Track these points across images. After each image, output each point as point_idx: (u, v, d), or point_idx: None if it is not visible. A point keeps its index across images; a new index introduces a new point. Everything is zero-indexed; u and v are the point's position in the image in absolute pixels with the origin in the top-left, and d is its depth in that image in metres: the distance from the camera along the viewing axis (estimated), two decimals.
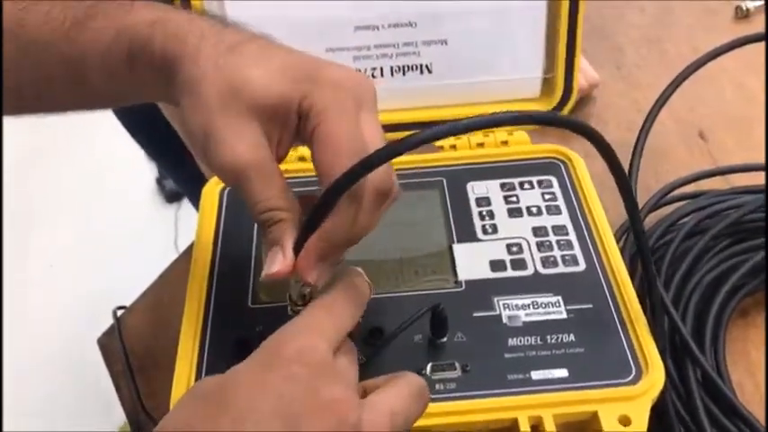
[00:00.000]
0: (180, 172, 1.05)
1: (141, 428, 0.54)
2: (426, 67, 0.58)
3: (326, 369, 0.34)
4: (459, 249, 0.52)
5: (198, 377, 0.46)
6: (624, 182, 0.42)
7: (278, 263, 0.38)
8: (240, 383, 0.34)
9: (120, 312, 0.62)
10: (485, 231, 0.54)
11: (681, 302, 0.54)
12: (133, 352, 0.58)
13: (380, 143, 0.40)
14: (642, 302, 0.49)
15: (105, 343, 0.60)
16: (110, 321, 0.61)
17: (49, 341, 1.48)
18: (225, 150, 0.38)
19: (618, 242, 0.56)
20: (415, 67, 0.58)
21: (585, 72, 0.75)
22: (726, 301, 0.54)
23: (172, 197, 1.79)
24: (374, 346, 0.47)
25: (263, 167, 0.39)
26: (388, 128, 0.59)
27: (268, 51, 0.41)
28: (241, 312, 0.49)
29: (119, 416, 0.64)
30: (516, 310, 0.48)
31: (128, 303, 0.64)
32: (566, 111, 0.59)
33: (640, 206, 0.59)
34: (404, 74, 0.58)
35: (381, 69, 0.58)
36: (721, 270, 0.55)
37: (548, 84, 0.59)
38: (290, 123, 0.40)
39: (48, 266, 1.67)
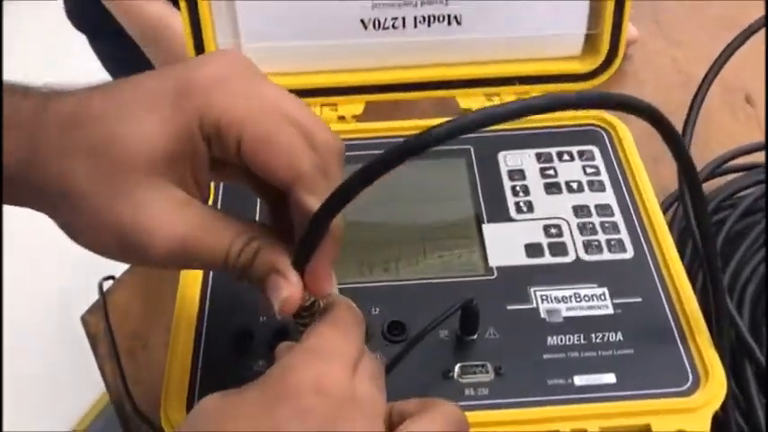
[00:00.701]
0: None
1: (127, 420, 0.48)
2: (455, 18, 0.51)
3: (346, 400, 0.29)
4: (490, 230, 0.46)
5: (192, 377, 0.40)
6: (694, 179, 0.36)
7: (284, 288, 0.32)
8: (243, 415, 0.28)
9: (107, 285, 0.56)
10: (519, 210, 0.47)
11: (735, 291, 0.48)
12: (120, 331, 0.53)
13: (295, 104, 0.33)
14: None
15: (90, 321, 0.54)
16: (96, 294, 0.55)
17: (32, 312, 1.40)
18: (149, 241, 0.31)
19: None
20: (441, 18, 0.51)
21: None
22: None
23: None
24: (394, 344, 0.41)
25: (204, 227, 0.32)
26: (411, 87, 0.53)
27: (118, 95, 0.32)
28: (242, 301, 0.43)
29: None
30: (556, 302, 0.42)
31: (117, 273, 0.58)
32: (610, 73, 0.52)
33: None
34: (429, 25, 0.51)
35: (404, 20, 0.50)
36: None
37: (591, 41, 0.52)
38: (200, 156, 0.33)
39: (32, 231, 1.59)
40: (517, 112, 0.30)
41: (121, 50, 0.82)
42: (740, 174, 0.56)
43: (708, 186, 0.55)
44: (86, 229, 0.31)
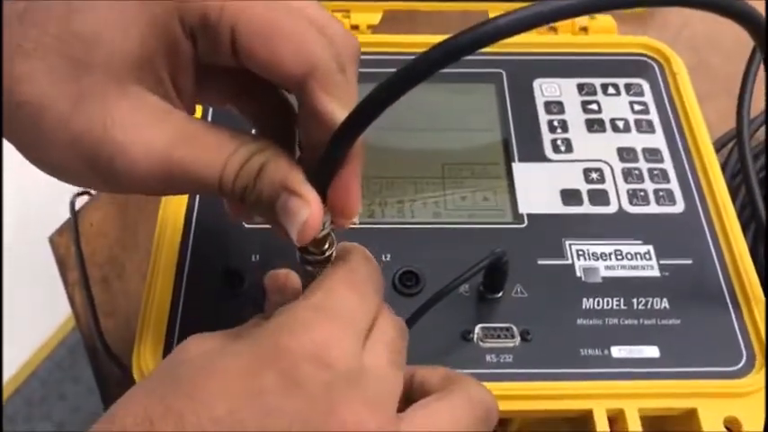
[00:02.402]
0: None
1: (96, 358, 0.43)
2: None
3: (351, 377, 0.23)
4: (522, 170, 0.40)
5: (171, 320, 0.35)
6: None
7: (302, 208, 0.25)
8: (227, 371, 0.23)
9: (80, 201, 0.49)
10: (556, 149, 0.41)
11: None
12: (93, 256, 0.47)
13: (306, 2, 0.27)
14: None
15: (59, 243, 0.48)
16: (68, 211, 0.49)
17: None
18: (124, 158, 0.24)
19: None
20: None
21: None
22: None
23: None
24: (406, 296, 0.36)
25: (191, 140, 0.25)
26: None
27: None
28: (232, 234, 0.37)
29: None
30: (594, 259, 0.37)
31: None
32: None
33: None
34: None
35: None
36: None
37: None
38: (182, 56, 0.26)
39: None
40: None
41: None
42: None
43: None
44: (49, 147, 0.25)
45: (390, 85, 0.23)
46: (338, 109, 0.25)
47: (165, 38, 0.25)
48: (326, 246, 0.28)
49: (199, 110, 0.40)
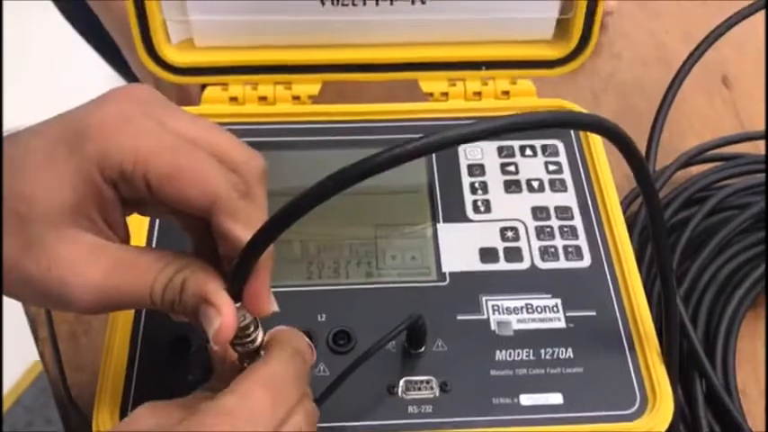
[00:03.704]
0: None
1: (65, 409, 0.47)
2: None
3: None
4: (446, 230, 0.44)
5: (127, 382, 0.39)
6: (654, 205, 0.34)
7: (214, 317, 0.30)
8: None
9: None
10: (476, 209, 0.45)
11: (692, 298, 0.47)
12: (61, 314, 0.51)
13: (208, 130, 0.32)
14: (648, 298, 0.42)
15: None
16: None
17: None
18: (67, 293, 0.29)
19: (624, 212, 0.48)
20: None
21: None
22: (741, 300, 0.47)
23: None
24: (339, 354, 0.40)
25: (121, 268, 0.30)
26: (371, 67, 0.50)
27: (19, 146, 0.30)
28: None
29: None
30: (507, 314, 0.41)
31: None
32: (581, 60, 0.50)
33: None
34: (391, 3, 0.47)
35: None
36: (744, 259, 0.48)
37: (563, 25, 0.49)
38: (107, 200, 0.31)
39: None
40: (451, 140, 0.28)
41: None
42: (716, 164, 0.54)
43: (681, 176, 0.53)
44: (11, 284, 0.30)
45: (283, 212, 0.27)
46: (242, 230, 0.30)
47: (90, 187, 0.30)
48: (251, 330, 0.32)
49: None
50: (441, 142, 0.28)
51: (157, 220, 0.44)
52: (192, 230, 0.34)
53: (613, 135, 0.31)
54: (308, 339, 0.35)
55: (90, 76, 1.65)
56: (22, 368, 1.27)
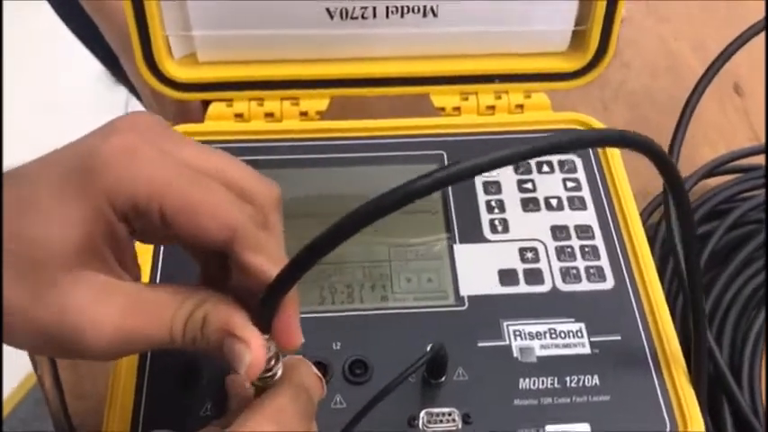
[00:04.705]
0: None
1: None
2: (431, 9, 0.46)
3: None
4: (463, 252, 0.43)
5: (135, 418, 0.37)
6: (688, 223, 0.32)
7: (245, 353, 0.28)
8: None
9: None
10: (494, 229, 0.44)
11: (716, 317, 0.46)
12: None
13: (219, 160, 0.30)
14: (672, 314, 0.41)
15: None
16: None
17: None
18: (82, 339, 0.27)
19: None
20: (416, 9, 0.46)
21: None
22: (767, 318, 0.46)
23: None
24: (355, 385, 0.38)
25: (137, 308, 0.28)
26: (381, 82, 0.48)
27: (23, 184, 0.28)
28: None
29: None
30: (530, 339, 0.40)
31: None
32: (598, 72, 0.48)
33: None
34: (402, 16, 0.46)
35: (374, 9, 0.45)
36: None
37: (579, 37, 0.48)
38: (120, 237, 0.29)
39: None
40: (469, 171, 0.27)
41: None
42: (735, 176, 0.52)
43: (699, 189, 0.52)
44: (19, 334, 0.28)
45: (315, 244, 0.25)
46: (265, 262, 0.28)
47: (102, 224, 0.28)
48: (272, 363, 0.30)
49: None
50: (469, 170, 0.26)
51: (162, 247, 0.42)
52: (200, 259, 0.32)
53: (653, 154, 0.30)
54: (317, 372, 0.33)
55: (84, 77, 1.64)
56: (16, 380, 1.25)
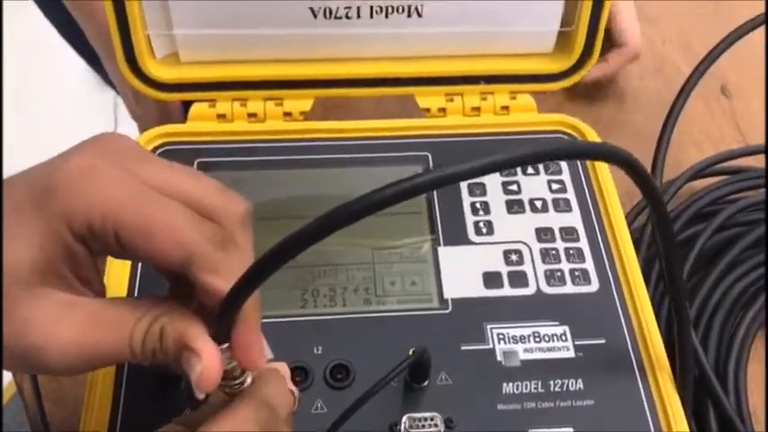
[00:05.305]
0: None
1: None
2: (415, 9, 0.45)
3: None
4: (447, 255, 0.42)
5: (111, 426, 0.36)
6: (667, 233, 0.32)
7: (196, 364, 0.27)
8: None
9: None
10: (478, 231, 0.43)
11: (702, 320, 0.45)
12: None
13: (182, 178, 0.30)
14: (657, 317, 0.40)
15: None
16: None
17: None
18: (43, 355, 0.27)
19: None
20: (401, 9, 0.45)
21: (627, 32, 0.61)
22: (752, 321, 0.45)
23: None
24: (337, 390, 0.37)
25: (95, 323, 0.28)
26: (365, 82, 0.48)
27: None
28: None
29: None
30: (513, 343, 0.39)
31: None
32: (582, 73, 0.48)
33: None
34: (386, 16, 0.45)
35: (359, 9, 0.45)
36: (754, 278, 0.46)
37: (565, 38, 0.47)
38: (79, 257, 0.29)
39: None
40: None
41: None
42: (721, 178, 0.52)
43: (686, 191, 0.52)
44: None
45: (262, 261, 0.25)
46: (222, 283, 0.27)
47: (60, 246, 0.28)
48: (238, 373, 0.30)
49: None
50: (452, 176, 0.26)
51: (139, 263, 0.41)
52: (166, 275, 0.32)
53: (630, 166, 0.29)
54: (290, 385, 0.33)
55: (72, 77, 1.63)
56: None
